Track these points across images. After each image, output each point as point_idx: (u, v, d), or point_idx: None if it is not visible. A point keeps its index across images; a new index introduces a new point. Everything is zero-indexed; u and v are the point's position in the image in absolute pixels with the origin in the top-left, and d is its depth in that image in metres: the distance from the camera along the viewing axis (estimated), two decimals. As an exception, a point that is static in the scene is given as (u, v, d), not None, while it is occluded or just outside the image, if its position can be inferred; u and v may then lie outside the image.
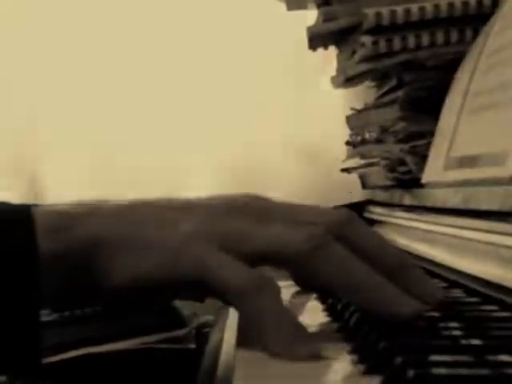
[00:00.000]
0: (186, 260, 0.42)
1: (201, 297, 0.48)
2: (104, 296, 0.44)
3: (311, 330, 0.47)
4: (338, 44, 1.07)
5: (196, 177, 1.42)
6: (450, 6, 0.88)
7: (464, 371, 0.34)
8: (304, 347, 0.39)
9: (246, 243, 0.42)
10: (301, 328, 0.41)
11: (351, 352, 0.40)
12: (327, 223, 0.44)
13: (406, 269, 0.46)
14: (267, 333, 0.40)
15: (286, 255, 0.42)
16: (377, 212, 1.00)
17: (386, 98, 0.96)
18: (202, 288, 0.43)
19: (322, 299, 0.55)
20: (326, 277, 0.42)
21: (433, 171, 0.79)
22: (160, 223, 0.43)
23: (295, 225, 0.43)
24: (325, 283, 0.43)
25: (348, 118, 1.11)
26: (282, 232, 0.43)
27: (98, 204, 0.45)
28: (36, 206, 0.44)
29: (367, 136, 1.00)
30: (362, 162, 1.08)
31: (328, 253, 0.42)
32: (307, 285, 0.53)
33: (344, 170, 1.15)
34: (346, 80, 1.02)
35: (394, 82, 0.92)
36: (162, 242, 0.42)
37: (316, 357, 0.39)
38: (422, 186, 0.81)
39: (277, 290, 0.41)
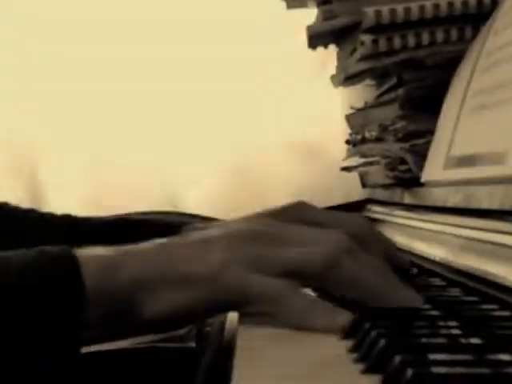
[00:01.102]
0: (222, 285, 0.47)
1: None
2: (143, 328, 0.50)
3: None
4: (337, 43, 1.07)
5: (195, 177, 1.42)
6: (450, 4, 0.88)
7: (463, 370, 0.34)
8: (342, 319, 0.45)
9: (269, 266, 0.48)
10: (333, 307, 0.47)
11: (351, 351, 0.40)
12: (339, 239, 0.50)
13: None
14: (307, 316, 0.46)
15: (304, 274, 0.48)
16: (377, 211, 1.00)
17: (386, 97, 0.96)
18: (239, 307, 0.48)
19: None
20: (341, 291, 0.49)
21: (433, 170, 0.79)
22: (189, 257, 0.48)
23: (310, 246, 0.49)
24: (341, 294, 0.49)
25: (348, 117, 1.11)
26: (299, 253, 0.48)
27: (133, 247, 0.49)
28: (76, 249, 0.48)
29: (367, 135, 1.00)
30: (362, 160, 1.08)
31: (340, 270, 0.48)
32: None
33: (344, 169, 1.15)
34: (346, 79, 1.02)
35: (393, 81, 0.92)
36: (194, 275, 0.47)
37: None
38: (421, 184, 0.81)
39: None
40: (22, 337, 0.44)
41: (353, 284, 0.48)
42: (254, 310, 0.48)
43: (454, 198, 0.69)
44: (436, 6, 0.88)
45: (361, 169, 1.12)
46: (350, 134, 1.11)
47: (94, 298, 0.46)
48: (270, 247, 0.49)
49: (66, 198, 1.36)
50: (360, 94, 1.12)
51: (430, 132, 0.83)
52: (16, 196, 1.39)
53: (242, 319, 0.50)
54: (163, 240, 0.50)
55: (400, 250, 0.81)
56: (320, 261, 0.48)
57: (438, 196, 0.75)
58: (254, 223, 0.52)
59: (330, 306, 0.48)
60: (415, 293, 0.50)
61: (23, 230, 0.74)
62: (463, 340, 0.40)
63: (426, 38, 0.89)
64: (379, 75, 0.99)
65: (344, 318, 0.45)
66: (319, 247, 0.49)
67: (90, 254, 0.48)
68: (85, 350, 0.70)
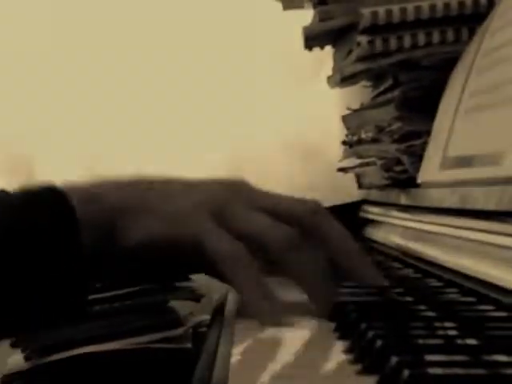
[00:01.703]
0: (190, 226, 0.51)
1: (195, 268, 0.59)
2: (123, 253, 0.53)
3: (308, 330, 0.47)
4: (334, 44, 1.07)
5: (193, 176, 1.41)
6: (446, 5, 0.88)
7: (460, 371, 0.34)
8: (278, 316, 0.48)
9: (235, 223, 0.51)
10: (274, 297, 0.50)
11: (347, 352, 0.40)
12: (300, 216, 0.53)
13: (356, 257, 0.54)
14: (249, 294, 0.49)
15: (265, 243, 0.51)
16: (373, 211, 1.00)
17: (382, 98, 0.96)
18: (197, 254, 0.51)
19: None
20: (291, 273, 0.51)
21: (429, 171, 0.79)
22: (169, 196, 0.53)
23: (277, 219, 0.52)
24: (290, 277, 0.52)
25: (344, 118, 1.11)
26: (266, 223, 0.51)
27: (119, 180, 0.55)
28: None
29: (363, 136, 1.00)
30: (358, 161, 1.08)
31: (298, 254, 0.51)
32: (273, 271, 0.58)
33: (340, 170, 1.15)
34: (342, 80, 1.02)
35: (389, 82, 0.92)
36: (171, 212, 0.52)
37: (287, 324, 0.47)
38: (417, 185, 0.81)
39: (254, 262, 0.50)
40: (26, 268, 0.48)
41: (301, 272, 0.51)
42: (208, 263, 0.51)
43: (450, 199, 0.69)
44: (432, 7, 0.88)
45: (357, 169, 1.12)
46: (347, 135, 1.11)
47: (83, 222, 0.50)
48: (241, 205, 0.53)
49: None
50: (356, 94, 1.12)
51: (427, 133, 0.83)
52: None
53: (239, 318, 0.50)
54: (148, 176, 0.55)
55: (393, 249, 0.81)
56: (283, 237, 0.51)
57: (434, 197, 0.75)
58: (231, 182, 0.56)
59: (271, 292, 0.50)
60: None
61: None
62: (460, 341, 0.40)
63: (422, 38, 0.89)
64: (375, 76, 0.99)
65: (278, 311, 0.48)
66: (284, 224, 0.51)
67: (74, 185, 0.53)
68: (79, 351, 0.70)
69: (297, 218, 0.53)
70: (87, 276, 0.51)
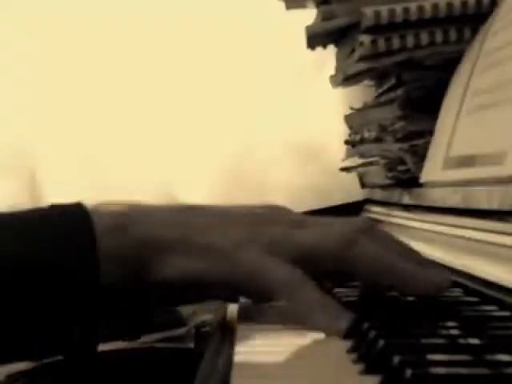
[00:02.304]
0: (238, 262, 0.46)
1: (236, 298, 0.54)
2: (153, 289, 0.48)
3: (310, 331, 0.47)
4: (336, 43, 1.07)
5: (194, 177, 1.42)
6: (449, 5, 0.88)
7: (462, 370, 0.34)
8: (344, 321, 0.44)
9: (287, 246, 0.47)
10: (339, 308, 0.47)
11: (350, 351, 0.40)
12: (351, 226, 0.49)
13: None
14: (314, 315, 0.45)
15: (325, 252, 0.47)
16: (375, 211, 1.00)
17: (385, 97, 0.96)
18: (247, 289, 0.48)
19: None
20: (362, 268, 0.48)
21: (432, 170, 0.79)
22: (209, 227, 0.48)
23: (326, 228, 0.49)
24: (361, 274, 0.48)
25: (347, 117, 1.11)
26: (319, 233, 0.48)
27: (150, 207, 0.49)
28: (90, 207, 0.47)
29: (366, 135, 1.00)
30: (361, 161, 1.08)
31: (361, 247, 0.47)
32: (342, 279, 0.56)
33: (343, 169, 1.15)
34: (345, 79, 1.02)
35: (392, 81, 0.92)
36: (212, 245, 0.47)
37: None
38: (420, 185, 0.81)
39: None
40: (40, 298, 0.44)
41: (370, 264, 0.48)
42: (262, 295, 0.48)
43: (452, 199, 0.69)
44: (435, 7, 0.88)
45: (360, 169, 1.12)
46: (349, 135, 1.11)
47: (106, 254, 0.45)
48: (286, 230, 0.48)
49: (65, 197, 1.36)
50: (359, 94, 1.12)
51: (429, 132, 0.83)
52: (15, 195, 1.39)
53: (241, 318, 0.50)
54: (183, 204, 0.50)
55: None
56: (334, 241, 0.47)
57: (436, 196, 0.75)
58: (269, 208, 0.52)
59: (336, 304, 0.47)
60: (441, 271, 0.50)
61: None
62: (462, 340, 0.40)
63: (424, 38, 0.89)
64: (378, 75, 0.99)
65: (347, 320, 0.45)
66: (334, 228, 0.48)
67: (104, 209, 0.47)
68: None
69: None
70: (100, 310, 0.46)
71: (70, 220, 0.46)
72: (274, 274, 0.46)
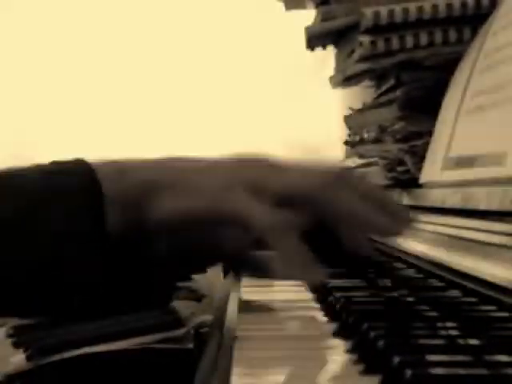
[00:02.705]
0: (226, 202, 0.51)
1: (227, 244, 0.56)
2: (153, 228, 0.52)
3: (308, 329, 0.47)
4: (336, 44, 1.07)
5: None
6: (449, 5, 0.88)
7: (462, 371, 0.34)
8: (316, 275, 0.50)
9: (270, 187, 0.52)
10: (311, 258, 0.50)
11: (349, 352, 0.40)
12: (329, 171, 0.54)
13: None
14: (292, 263, 0.50)
15: (302, 193, 0.52)
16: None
17: (384, 98, 0.96)
18: (234, 226, 0.52)
19: (320, 299, 0.55)
20: (335, 211, 0.52)
21: (431, 171, 0.79)
22: (198, 171, 0.54)
23: (306, 173, 0.54)
24: (333, 217, 0.53)
25: (346, 118, 1.11)
26: (299, 176, 0.53)
27: (145, 159, 0.55)
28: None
29: (365, 136, 1.00)
30: (361, 161, 1.08)
31: (335, 191, 0.52)
32: (315, 225, 0.58)
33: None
34: (345, 80, 1.02)
35: (392, 82, 0.92)
36: (202, 186, 0.52)
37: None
38: (420, 185, 0.81)
39: (297, 225, 0.51)
40: (53, 237, 0.47)
41: (340, 208, 0.52)
42: (248, 234, 0.51)
43: (452, 199, 0.69)
44: (434, 7, 0.88)
45: (359, 170, 1.12)
46: (349, 135, 1.11)
47: (110, 197, 0.49)
48: (269, 173, 0.53)
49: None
50: (358, 94, 1.12)
51: (429, 133, 0.83)
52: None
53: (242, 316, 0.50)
54: (175, 155, 0.56)
55: (395, 249, 0.81)
56: (312, 184, 0.52)
57: (436, 197, 0.74)
58: (253, 156, 0.57)
59: (312, 257, 0.51)
60: (403, 218, 0.56)
61: None
62: (462, 341, 0.40)
63: (424, 38, 0.89)
64: (377, 76, 0.99)
65: (319, 276, 0.51)
66: (312, 174, 0.53)
67: (104, 162, 0.52)
68: (83, 351, 0.70)
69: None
70: (108, 253, 0.49)
71: (75, 172, 0.50)
72: (259, 214, 0.50)
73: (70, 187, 0.49)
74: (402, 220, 0.56)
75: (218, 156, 0.57)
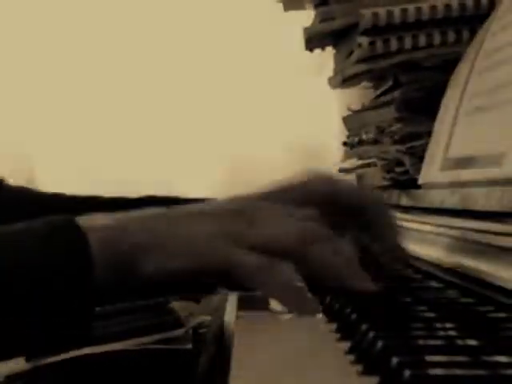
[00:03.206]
0: (210, 254, 0.53)
1: (214, 287, 0.61)
2: (142, 287, 0.55)
3: (308, 329, 0.47)
4: (334, 45, 1.07)
5: (194, 177, 1.42)
6: (447, 6, 0.88)
7: (460, 372, 0.34)
8: (309, 308, 0.52)
9: (252, 239, 0.53)
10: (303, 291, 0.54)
11: (348, 352, 0.40)
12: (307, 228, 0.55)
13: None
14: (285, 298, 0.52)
15: (281, 249, 0.53)
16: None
17: (383, 99, 0.96)
18: (222, 277, 0.54)
19: (320, 300, 0.55)
20: (310, 266, 0.54)
21: (430, 172, 0.79)
22: (184, 230, 0.54)
23: (285, 226, 0.55)
24: (311, 272, 0.55)
25: (345, 119, 1.11)
26: (274, 231, 0.54)
27: (132, 215, 0.56)
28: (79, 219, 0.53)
29: (364, 137, 1.00)
30: (359, 162, 1.08)
31: (311, 248, 0.54)
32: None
33: (341, 171, 1.15)
34: (343, 81, 1.02)
35: (390, 83, 0.92)
36: (186, 245, 0.53)
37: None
38: (418, 186, 0.81)
39: (285, 268, 0.53)
40: (37, 302, 0.49)
41: (318, 267, 0.54)
42: (237, 282, 0.53)
43: (451, 200, 0.69)
44: (433, 8, 0.88)
45: (358, 171, 1.12)
46: (347, 136, 1.11)
47: (100, 263, 0.51)
48: (250, 225, 0.54)
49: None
50: (357, 96, 1.12)
51: (427, 134, 0.83)
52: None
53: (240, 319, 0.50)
54: (159, 210, 0.57)
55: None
56: (289, 241, 0.54)
57: (435, 198, 0.75)
58: (235, 204, 0.58)
59: (303, 288, 0.54)
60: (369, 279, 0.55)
61: (15, 207, 0.86)
62: (460, 342, 0.40)
63: (422, 39, 0.89)
64: (376, 77, 0.99)
65: (312, 310, 0.52)
66: (291, 228, 0.55)
67: (93, 223, 0.53)
68: (82, 351, 0.70)
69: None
70: (92, 312, 0.52)
71: (66, 237, 0.52)
72: (243, 261, 0.52)
73: (60, 253, 0.51)
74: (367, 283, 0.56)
75: (206, 204, 0.60)
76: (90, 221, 0.53)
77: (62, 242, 0.51)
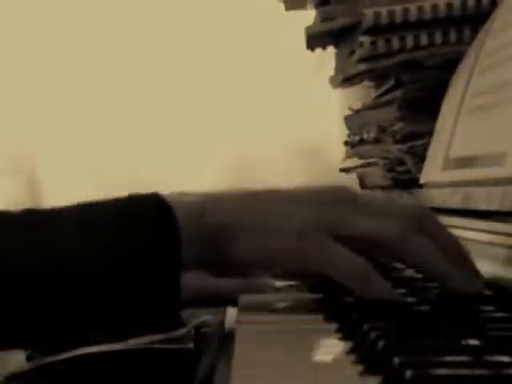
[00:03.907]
0: (303, 246, 0.50)
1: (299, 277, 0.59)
2: (226, 268, 0.55)
3: (308, 330, 0.47)
4: (336, 44, 1.07)
5: (195, 177, 1.42)
6: (449, 5, 0.88)
7: (462, 371, 0.34)
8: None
9: (349, 230, 0.50)
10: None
11: (350, 352, 0.40)
12: (411, 216, 0.52)
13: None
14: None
15: (381, 241, 0.50)
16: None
17: (384, 98, 0.96)
18: (312, 274, 0.53)
19: (320, 300, 0.55)
20: (412, 260, 0.52)
21: (431, 171, 0.79)
22: (275, 213, 0.51)
23: (387, 216, 0.51)
24: (409, 265, 0.54)
25: (346, 118, 1.11)
26: (379, 222, 0.51)
27: (221, 194, 0.53)
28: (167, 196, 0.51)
29: (365, 136, 1.00)
30: (361, 162, 1.08)
31: (414, 242, 0.51)
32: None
33: (342, 170, 1.15)
34: (345, 80, 1.02)
35: (392, 82, 0.92)
36: (281, 229, 0.50)
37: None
38: (420, 186, 0.81)
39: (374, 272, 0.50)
40: (130, 279, 0.48)
41: (419, 260, 0.51)
42: (329, 283, 0.51)
43: (452, 200, 0.69)
44: (434, 7, 0.88)
45: (359, 170, 1.12)
46: (349, 136, 1.11)
47: (188, 240, 0.49)
48: (351, 213, 0.51)
49: (65, 197, 1.36)
50: (358, 95, 1.12)
51: (429, 133, 0.83)
52: (15, 195, 1.39)
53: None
54: (249, 190, 0.54)
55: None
56: (393, 233, 0.50)
57: (436, 197, 0.75)
58: (334, 188, 0.54)
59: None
60: (475, 275, 0.52)
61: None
62: (462, 341, 0.40)
63: (424, 39, 0.89)
64: (378, 76, 0.99)
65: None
66: (394, 219, 0.51)
67: (181, 200, 0.51)
68: (83, 351, 0.70)
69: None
70: (180, 292, 0.50)
71: (154, 213, 0.49)
72: (340, 266, 0.50)
73: (148, 228, 0.49)
74: (476, 277, 0.52)
75: (295, 189, 0.55)
76: (179, 197, 0.51)
77: (151, 217, 0.49)
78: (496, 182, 0.60)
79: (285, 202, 0.52)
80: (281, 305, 0.55)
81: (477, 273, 0.52)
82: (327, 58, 1.12)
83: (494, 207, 0.59)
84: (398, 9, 0.88)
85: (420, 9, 0.88)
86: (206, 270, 0.58)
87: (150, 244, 0.48)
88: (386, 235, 0.50)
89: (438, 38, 0.89)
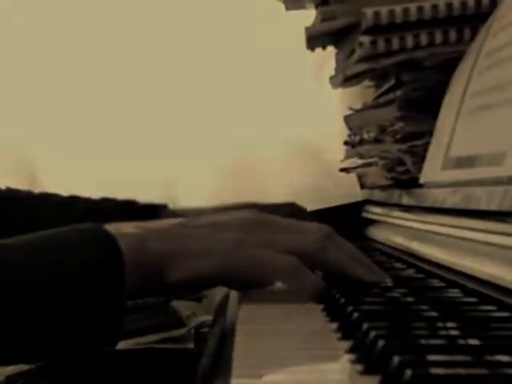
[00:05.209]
0: (238, 258, 0.56)
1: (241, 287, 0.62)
2: (167, 290, 0.60)
3: (308, 329, 0.47)
4: (336, 44, 1.07)
5: (195, 177, 1.42)
6: (449, 5, 0.88)
7: (462, 371, 0.34)
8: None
9: (275, 246, 0.57)
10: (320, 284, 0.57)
11: (349, 351, 0.40)
12: (322, 232, 0.60)
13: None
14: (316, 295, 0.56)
15: (303, 253, 0.57)
16: (375, 212, 1.00)
17: (385, 98, 0.96)
18: (249, 279, 0.57)
19: (321, 300, 0.55)
20: (328, 267, 0.59)
21: (431, 171, 0.79)
22: (209, 235, 0.57)
23: (305, 233, 0.59)
24: (327, 271, 0.60)
25: (346, 118, 1.11)
26: (299, 238, 0.59)
27: (159, 224, 0.59)
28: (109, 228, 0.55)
29: (365, 136, 1.00)
30: (361, 161, 1.08)
31: (329, 251, 0.59)
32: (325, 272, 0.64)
33: (342, 170, 1.15)
34: (345, 80, 1.02)
35: (392, 82, 0.92)
36: (215, 249, 0.56)
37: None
38: (420, 185, 0.81)
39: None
40: (73, 308, 0.51)
41: (334, 266, 0.58)
42: (265, 282, 0.57)
43: (452, 199, 0.69)
44: (434, 7, 0.88)
45: (359, 170, 1.12)
46: (349, 135, 1.11)
47: (130, 269, 0.53)
48: (274, 232, 0.58)
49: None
50: (358, 95, 1.12)
51: (429, 133, 0.83)
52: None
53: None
54: (177, 220, 0.60)
55: (395, 249, 0.81)
56: (310, 246, 0.58)
57: (436, 197, 0.75)
58: (255, 213, 0.61)
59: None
60: (381, 272, 0.61)
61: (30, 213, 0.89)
62: (462, 341, 0.40)
63: (424, 39, 0.89)
64: (378, 76, 0.99)
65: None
66: (309, 235, 0.59)
67: (121, 231, 0.55)
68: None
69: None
70: (123, 319, 0.53)
71: (100, 246, 0.54)
72: (275, 262, 0.56)
73: (96, 258, 0.53)
74: (376, 272, 0.61)
75: (220, 214, 0.62)
76: (118, 229, 0.55)
77: (94, 248, 0.53)
78: (496, 182, 0.60)
79: (214, 226, 0.58)
80: (281, 305, 0.55)
81: (380, 270, 0.61)
82: (327, 58, 1.12)
83: (493, 207, 0.59)
84: (397, 9, 0.88)
85: (420, 9, 0.88)
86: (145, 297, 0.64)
87: (93, 271, 0.52)
88: (307, 248, 0.57)
89: (438, 37, 0.89)
